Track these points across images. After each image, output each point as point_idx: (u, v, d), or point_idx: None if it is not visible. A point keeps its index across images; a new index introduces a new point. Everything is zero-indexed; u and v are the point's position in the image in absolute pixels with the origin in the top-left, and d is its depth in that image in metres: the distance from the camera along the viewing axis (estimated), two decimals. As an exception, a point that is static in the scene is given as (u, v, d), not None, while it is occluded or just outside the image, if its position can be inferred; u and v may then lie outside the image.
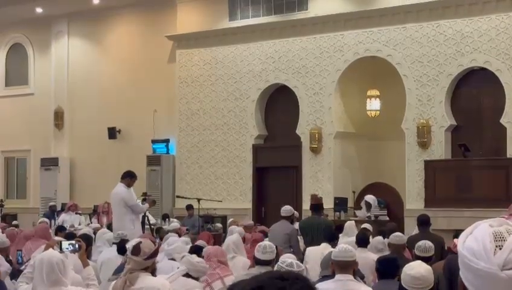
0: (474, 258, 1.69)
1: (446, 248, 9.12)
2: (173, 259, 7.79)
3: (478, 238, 1.71)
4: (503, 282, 1.65)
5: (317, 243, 9.53)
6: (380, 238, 9.39)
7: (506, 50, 14.69)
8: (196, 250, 7.75)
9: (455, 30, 15.23)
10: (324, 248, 8.35)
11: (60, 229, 11.84)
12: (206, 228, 14.79)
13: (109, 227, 11.81)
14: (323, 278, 5.75)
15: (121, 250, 8.07)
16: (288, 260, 5.26)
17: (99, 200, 16.89)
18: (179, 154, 18.96)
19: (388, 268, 6.40)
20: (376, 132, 16.71)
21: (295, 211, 11.54)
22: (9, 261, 8.51)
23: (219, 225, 15.07)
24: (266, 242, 6.95)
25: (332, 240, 9.15)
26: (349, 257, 5.48)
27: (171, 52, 19.34)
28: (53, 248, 6.00)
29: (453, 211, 14.25)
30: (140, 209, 11.44)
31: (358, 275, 6.33)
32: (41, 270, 5.22)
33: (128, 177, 11.33)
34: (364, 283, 6.36)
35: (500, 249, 1.68)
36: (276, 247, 6.52)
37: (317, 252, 8.36)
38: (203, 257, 6.78)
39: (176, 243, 8.07)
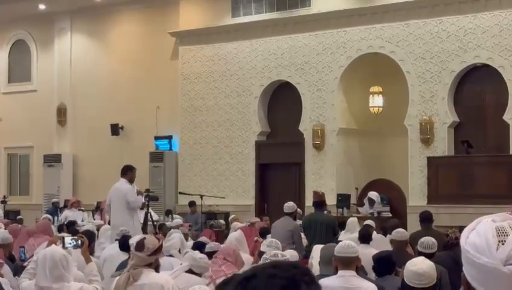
0: (476, 253, 1.69)
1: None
2: (171, 255, 7.79)
3: (481, 233, 1.71)
4: (506, 277, 1.65)
5: (320, 239, 9.53)
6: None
7: (509, 46, 14.67)
8: (199, 246, 7.76)
9: (458, 27, 15.21)
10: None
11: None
12: (208, 225, 14.80)
13: (112, 223, 11.77)
14: (322, 276, 5.71)
15: (123, 246, 8.07)
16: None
17: (102, 196, 16.86)
18: (181, 151, 18.96)
19: (384, 265, 6.42)
20: (379, 129, 16.69)
21: (298, 209, 11.53)
22: (12, 258, 8.51)
23: (222, 221, 15.07)
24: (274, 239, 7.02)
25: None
26: (352, 253, 5.48)
27: (173, 49, 19.33)
28: (56, 244, 6.01)
29: (456, 208, 14.24)
30: (138, 204, 11.31)
31: (362, 272, 6.33)
32: (44, 266, 5.23)
33: (129, 171, 11.26)
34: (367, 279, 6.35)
35: (503, 244, 1.68)
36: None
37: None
38: (205, 253, 6.79)
39: (173, 239, 8.07)
